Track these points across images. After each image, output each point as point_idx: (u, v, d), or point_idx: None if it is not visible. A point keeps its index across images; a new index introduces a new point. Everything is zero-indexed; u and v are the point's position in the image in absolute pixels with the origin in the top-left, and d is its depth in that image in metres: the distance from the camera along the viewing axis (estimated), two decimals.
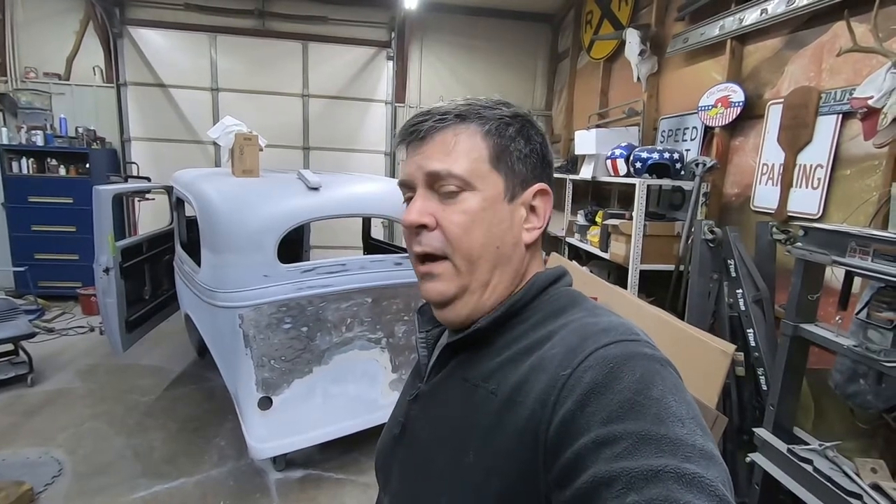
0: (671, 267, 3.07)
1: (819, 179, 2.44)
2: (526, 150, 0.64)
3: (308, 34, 5.79)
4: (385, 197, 2.98)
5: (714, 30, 3.10)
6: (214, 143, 5.80)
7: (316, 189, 2.64)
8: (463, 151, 0.60)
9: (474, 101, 0.63)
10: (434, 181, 0.61)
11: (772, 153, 2.72)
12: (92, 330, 4.53)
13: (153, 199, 5.13)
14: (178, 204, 3.38)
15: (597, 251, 3.62)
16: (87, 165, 5.14)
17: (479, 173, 0.60)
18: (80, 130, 5.28)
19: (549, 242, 4.64)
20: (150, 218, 5.40)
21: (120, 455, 2.80)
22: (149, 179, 5.14)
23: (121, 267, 3.13)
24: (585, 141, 3.92)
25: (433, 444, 0.62)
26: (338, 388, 2.70)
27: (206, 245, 2.52)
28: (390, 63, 5.98)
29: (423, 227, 0.61)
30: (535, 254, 0.67)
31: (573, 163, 4.72)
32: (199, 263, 2.67)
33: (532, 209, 0.65)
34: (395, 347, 2.88)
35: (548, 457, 0.47)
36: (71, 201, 5.07)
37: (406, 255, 2.81)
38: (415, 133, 0.62)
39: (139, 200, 5.35)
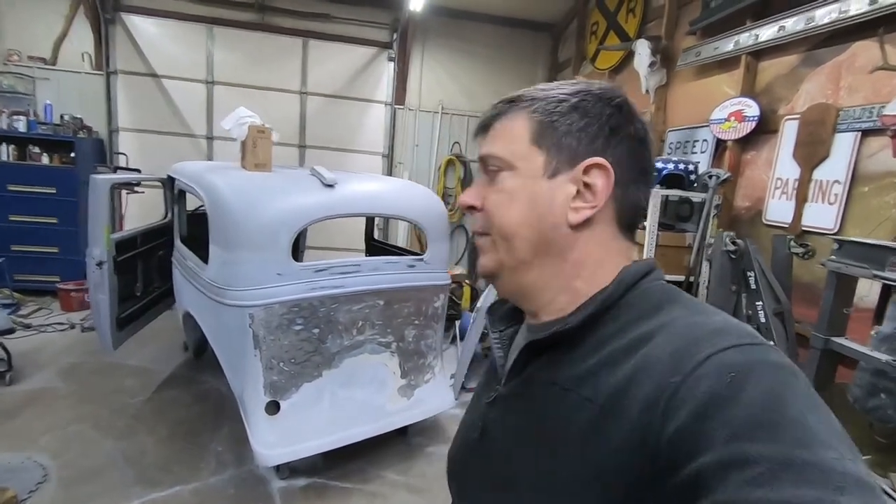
0: (681, 277, 3.07)
1: (836, 195, 2.47)
2: (580, 124, 0.58)
3: (309, 31, 5.68)
4: (398, 197, 2.91)
5: (728, 45, 3.14)
6: (206, 138, 5.66)
7: (331, 186, 2.56)
8: (505, 133, 0.62)
9: (538, 87, 0.63)
10: (483, 165, 0.65)
11: (786, 168, 2.76)
12: (72, 327, 4.31)
13: (142, 192, 4.93)
14: (178, 197, 3.23)
15: None
16: (73, 154, 4.91)
17: (518, 153, 0.61)
18: (66, 118, 5.05)
19: None
20: (137, 211, 5.20)
21: (109, 460, 2.64)
22: (139, 171, 4.94)
23: (114, 261, 2.97)
24: None
25: (517, 451, 0.58)
26: (346, 393, 2.60)
27: (215, 241, 2.41)
28: (391, 64, 5.92)
29: (472, 208, 0.64)
30: (601, 239, 0.60)
31: None
32: (203, 259, 2.55)
33: (587, 186, 0.58)
34: (404, 352, 2.80)
35: (657, 471, 0.43)
36: (53, 191, 4.84)
37: (419, 257, 2.79)
38: (480, 126, 0.66)
39: (128, 193, 5.13)
